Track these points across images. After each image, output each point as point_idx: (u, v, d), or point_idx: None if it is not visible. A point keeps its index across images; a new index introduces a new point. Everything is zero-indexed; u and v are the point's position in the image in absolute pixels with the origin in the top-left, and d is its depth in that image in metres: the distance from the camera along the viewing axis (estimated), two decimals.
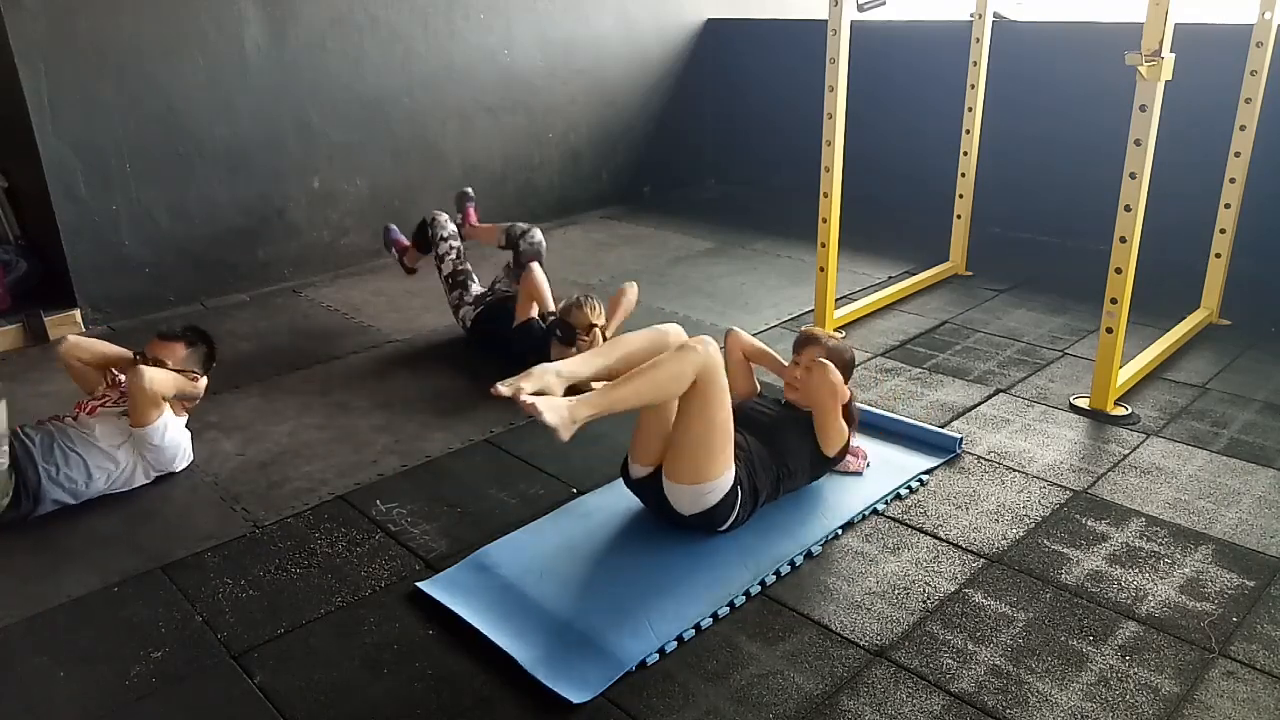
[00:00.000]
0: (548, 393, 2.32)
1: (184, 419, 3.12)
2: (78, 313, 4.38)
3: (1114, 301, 3.23)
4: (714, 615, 2.34)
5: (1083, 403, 3.41)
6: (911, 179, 5.92)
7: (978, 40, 4.49)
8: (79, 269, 4.37)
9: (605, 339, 3.57)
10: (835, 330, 4.13)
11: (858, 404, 3.00)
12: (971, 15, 4.50)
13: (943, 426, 3.27)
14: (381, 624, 2.36)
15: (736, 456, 2.60)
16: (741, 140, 7.03)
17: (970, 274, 4.92)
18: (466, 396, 3.64)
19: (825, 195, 3.93)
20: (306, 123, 4.95)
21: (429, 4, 5.28)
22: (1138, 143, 3.02)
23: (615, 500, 2.83)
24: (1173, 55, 2.94)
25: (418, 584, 2.47)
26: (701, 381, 2.39)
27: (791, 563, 2.53)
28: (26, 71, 4.04)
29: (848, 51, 3.71)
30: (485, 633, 2.27)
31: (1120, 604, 2.36)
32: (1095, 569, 2.50)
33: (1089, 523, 2.71)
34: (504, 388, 2.29)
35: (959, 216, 4.83)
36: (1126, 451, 3.10)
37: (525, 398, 2.22)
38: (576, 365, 2.47)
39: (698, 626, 2.30)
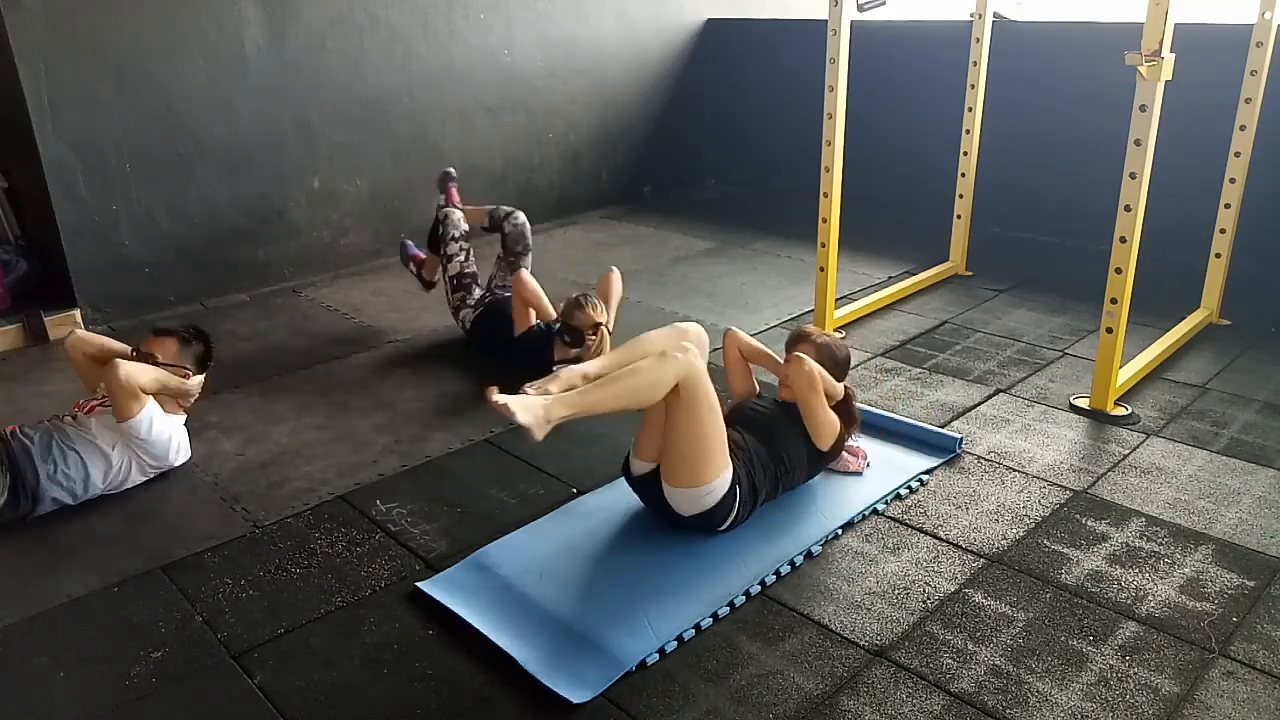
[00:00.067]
0: None
1: (181, 417, 3.12)
2: (78, 313, 4.38)
3: (1114, 301, 3.23)
4: (714, 615, 2.34)
5: (1083, 403, 3.41)
6: (911, 179, 5.92)
7: (978, 40, 4.49)
8: (79, 269, 4.37)
9: (610, 334, 3.59)
10: (835, 330, 4.13)
11: (858, 404, 3.01)
12: (971, 15, 4.51)
13: (943, 426, 3.27)
14: (381, 624, 2.36)
15: (736, 456, 2.60)
16: (741, 140, 7.03)
17: (970, 274, 4.92)
18: (466, 396, 3.64)
19: (825, 195, 3.93)
20: (306, 123, 4.95)
21: (429, 4, 5.28)
22: (1138, 143, 3.02)
23: (615, 500, 2.83)
24: (1173, 55, 2.94)
25: (418, 584, 2.47)
26: (684, 390, 2.39)
27: (791, 563, 2.53)
28: (26, 71, 4.04)
29: (848, 51, 3.71)
30: (485, 633, 2.27)
31: (1120, 604, 2.36)
32: (1095, 569, 2.50)
33: (1089, 523, 2.71)
34: (531, 389, 2.38)
35: (959, 216, 4.83)
36: (1126, 451, 3.10)
37: (497, 398, 2.23)
38: (602, 366, 2.52)
39: (698, 626, 2.30)
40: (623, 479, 2.87)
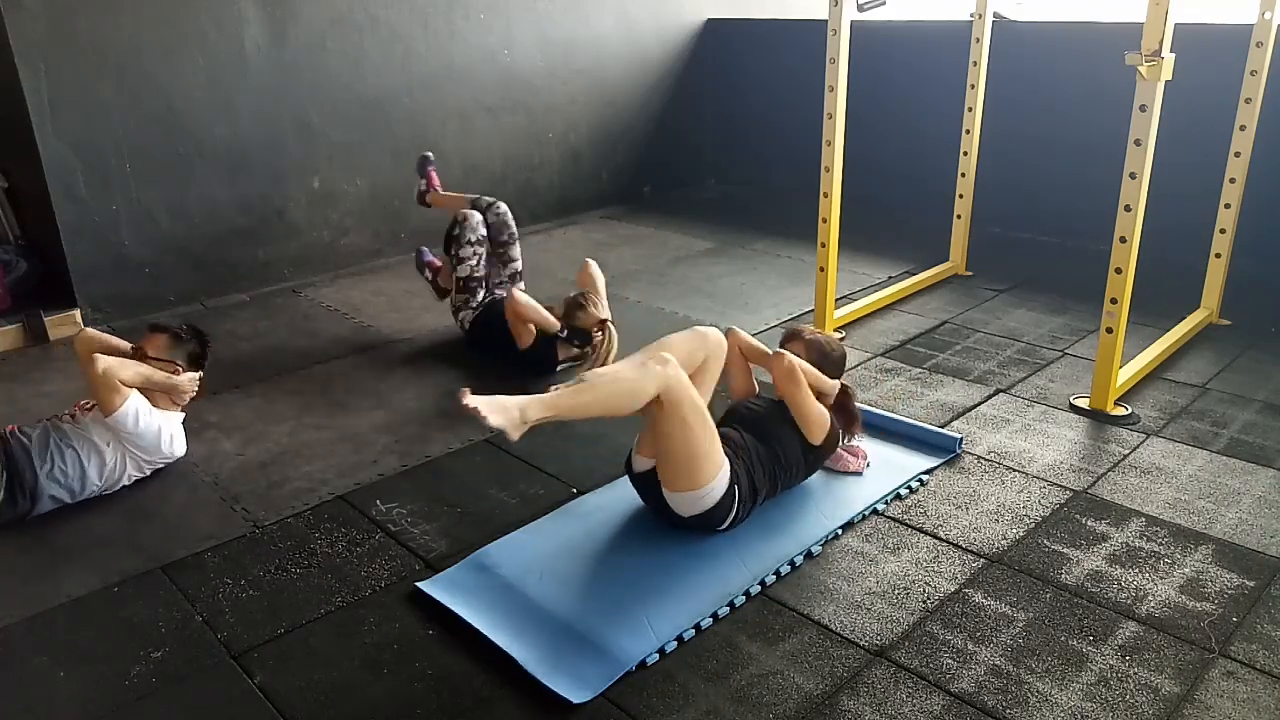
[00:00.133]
0: None
1: (177, 414, 3.13)
2: (78, 313, 4.38)
3: (1114, 301, 3.23)
4: (714, 615, 2.34)
5: (1083, 403, 3.41)
6: (911, 179, 5.92)
7: (978, 40, 4.49)
8: (79, 269, 4.37)
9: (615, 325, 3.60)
10: (835, 330, 4.13)
11: (857, 403, 3.01)
12: (971, 15, 4.51)
13: (943, 426, 3.27)
14: (381, 624, 2.36)
15: (736, 455, 2.61)
16: (741, 140, 7.03)
17: (970, 274, 4.92)
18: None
19: (825, 195, 3.93)
20: (306, 123, 4.95)
21: (429, 4, 5.28)
22: (1138, 143, 3.02)
23: (615, 500, 2.83)
24: (1173, 55, 2.94)
25: (418, 584, 2.47)
26: (667, 400, 2.40)
27: (791, 563, 2.53)
28: (26, 71, 4.04)
29: (848, 51, 3.71)
30: (485, 633, 2.27)
31: (1120, 604, 2.36)
32: (1095, 569, 2.50)
33: (1089, 523, 2.71)
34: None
35: (959, 216, 4.83)
36: (1126, 451, 3.10)
37: (468, 400, 2.22)
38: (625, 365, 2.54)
39: (698, 626, 2.30)
40: (622, 479, 2.87)
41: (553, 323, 3.72)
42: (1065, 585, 2.44)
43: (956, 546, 2.61)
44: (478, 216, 4.02)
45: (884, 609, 2.36)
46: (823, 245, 3.98)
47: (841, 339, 4.07)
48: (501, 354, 3.84)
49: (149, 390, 3.00)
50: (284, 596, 2.47)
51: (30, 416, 3.04)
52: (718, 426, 2.74)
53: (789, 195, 6.34)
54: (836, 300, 4.19)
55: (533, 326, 3.73)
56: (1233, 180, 3.96)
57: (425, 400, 3.62)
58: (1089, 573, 2.48)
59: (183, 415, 3.17)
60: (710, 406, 2.61)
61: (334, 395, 3.69)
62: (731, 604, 2.38)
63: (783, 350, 2.79)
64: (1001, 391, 3.56)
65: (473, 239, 3.98)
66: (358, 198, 5.24)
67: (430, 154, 4.46)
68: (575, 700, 2.06)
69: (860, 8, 3.85)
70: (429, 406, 3.56)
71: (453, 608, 2.37)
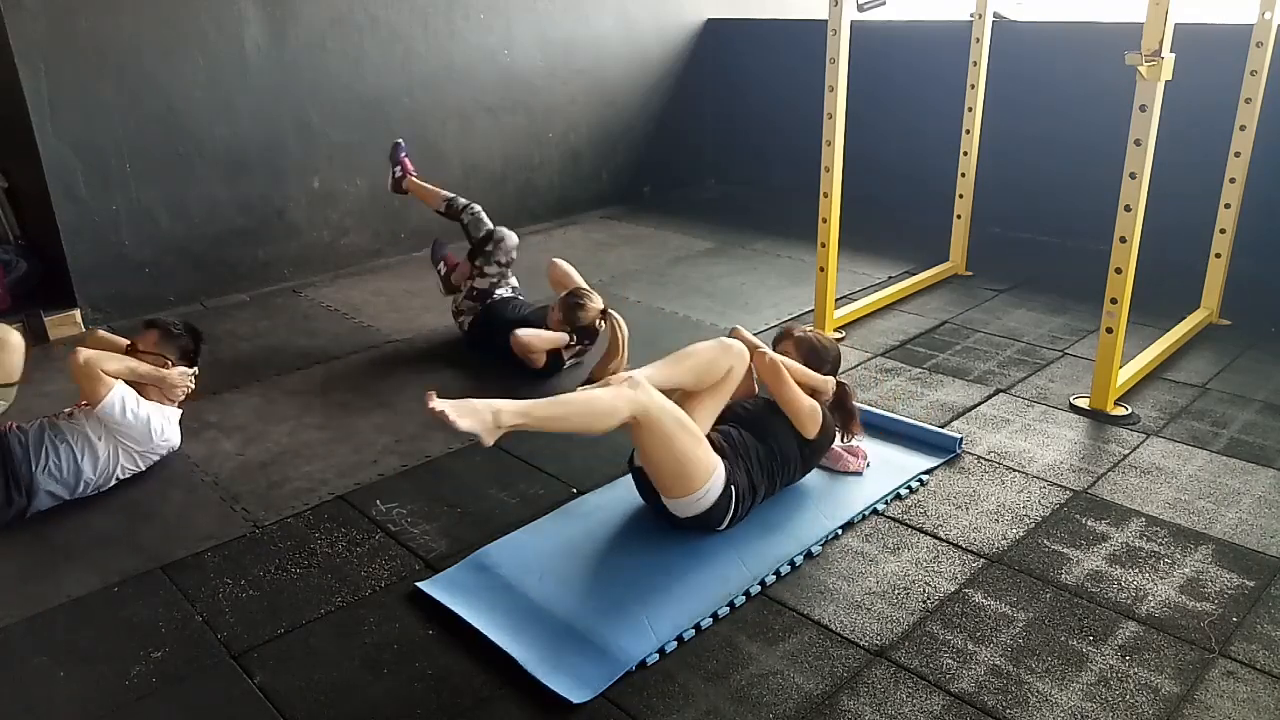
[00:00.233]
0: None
1: (173, 410, 3.14)
2: (78, 313, 4.38)
3: (1114, 301, 3.23)
4: (714, 615, 2.34)
5: (1083, 403, 3.41)
6: (911, 179, 5.92)
7: (978, 40, 4.49)
8: (79, 269, 4.37)
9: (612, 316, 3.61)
10: (835, 330, 4.13)
11: (856, 403, 3.01)
12: (971, 15, 4.51)
13: (943, 426, 3.27)
14: (381, 624, 2.36)
15: (735, 453, 2.62)
16: (741, 140, 7.03)
17: (970, 274, 4.92)
18: (466, 396, 3.63)
19: (825, 195, 3.93)
20: (306, 123, 4.95)
21: (429, 4, 5.28)
22: (1138, 143, 3.02)
23: (615, 500, 2.83)
24: (1173, 55, 2.94)
25: (418, 584, 2.47)
26: (644, 421, 2.40)
27: (791, 563, 2.53)
28: (26, 71, 4.04)
29: (848, 51, 3.71)
30: (485, 633, 2.27)
31: (1120, 604, 2.36)
32: (1095, 569, 2.50)
33: (1089, 523, 2.71)
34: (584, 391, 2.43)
35: (959, 216, 4.83)
36: (1126, 451, 3.10)
37: (434, 404, 2.18)
38: (651, 373, 2.58)
39: (698, 626, 2.30)
40: (622, 479, 2.88)
41: (562, 338, 3.72)
42: (1065, 585, 2.44)
43: (956, 546, 2.61)
44: (514, 240, 4.05)
45: (884, 609, 2.36)
46: (823, 245, 3.98)
47: (841, 339, 4.07)
48: (502, 355, 3.84)
49: (140, 383, 3.03)
50: (284, 596, 2.47)
51: (30, 416, 3.04)
52: (717, 425, 2.75)
53: (789, 195, 6.34)
54: (836, 300, 4.19)
55: (545, 351, 3.72)
56: (1233, 180, 3.96)
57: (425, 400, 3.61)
58: (1089, 573, 2.48)
59: (179, 411, 3.17)
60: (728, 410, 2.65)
61: (334, 395, 3.69)
62: (731, 604, 2.38)
63: (765, 349, 2.80)
64: (1001, 391, 3.56)
65: (502, 260, 4.04)
66: (358, 198, 5.24)
67: (401, 140, 4.45)
68: (575, 700, 2.06)
69: (860, 8, 3.85)
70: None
71: (453, 608, 2.37)
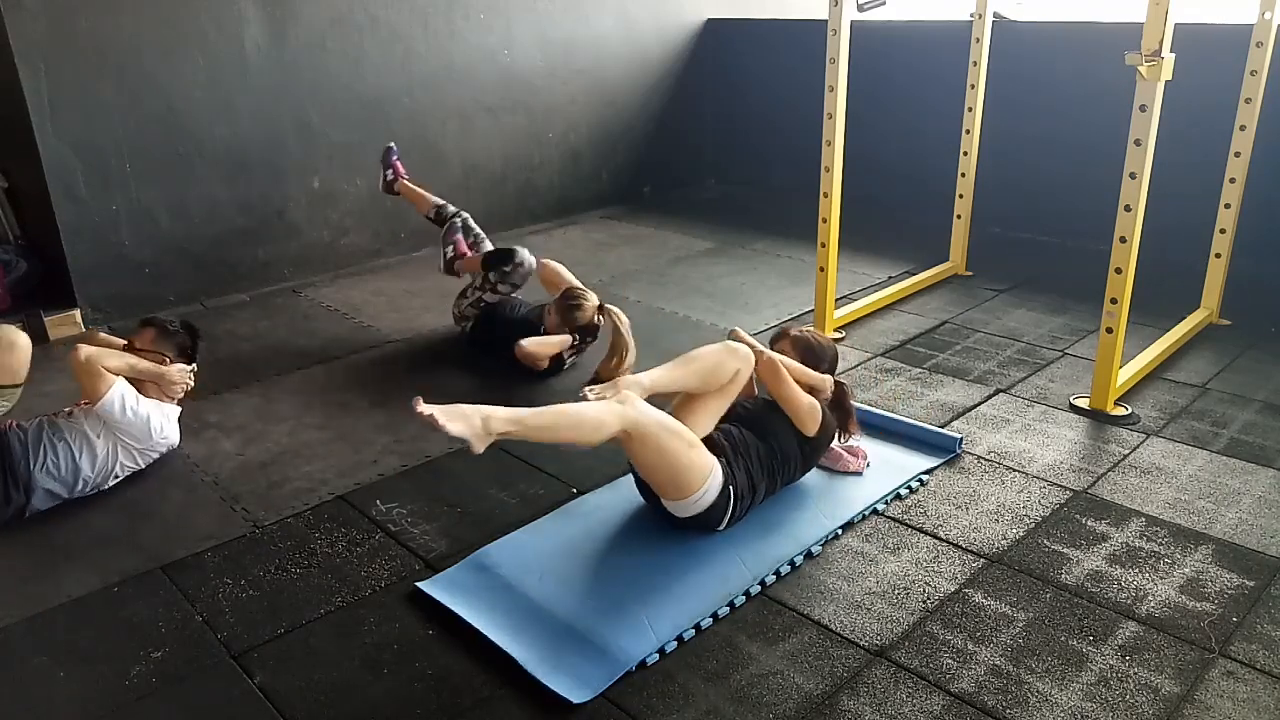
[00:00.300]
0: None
1: (172, 407, 3.15)
2: (78, 313, 4.38)
3: (1114, 301, 3.23)
4: (714, 615, 2.34)
5: (1083, 403, 3.41)
6: (911, 179, 5.92)
7: (978, 40, 4.49)
8: (79, 269, 4.37)
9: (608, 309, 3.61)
10: (835, 330, 4.13)
11: (855, 403, 3.01)
12: (971, 15, 4.51)
13: (943, 426, 3.27)
14: (381, 624, 2.36)
15: (735, 452, 2.62)
16: (741, 140, 7.03)
17: (970, 274, 4.92)
18: (467, 396, 3.61)
19: (825, 195, 3.93)
20: (306, 123, 4.95)
21: (429, 4, 5.28)
22: (1138, 143, 3.02)
23: (615, 500, 2.83)
24: (1173, 55, 2.94)
25: (418, 584, 2.47)
26: (635, 433, 2.40)
27: (791, 563, 2.53)
28: (26, 71, 4.04)
29: (848, 51, 3.71)
30: (485, 633, 2.27)
31: (1120, 604, 2.36)
32: (1095, 569, 2.50)
33: (1089, 523, 2.71)
34: (590, 393, 2.43)
35: (959, 216, 4.83)
36: (1126, 451, 3.10)
37: (422, 408, 2.17)
38: (657, 376, 2.60)
39: (698, 626, 2.30)
40: (622, 479, 2.88)
41: (564, 340, 3.73)
42: (1065, 585, 2.44)
43: (956, 546, 2.61)
44: (532, 265, 4.02)
45: (884, 609, 2.36)
46: (823, 245, 3.98)
47: (841, 339, 4.07)
48: (503, 354, 3.84)
49: (139, 380, 3.04)
50: (284, 596, 2.47)
51: (30, 415, 3.04)
52: (718, 424, 2.75)
53: (789, 195, 6.34)
54: (836, 300, 4.19)
55: (547, 360, 3.72)
56: (1233, 180, 3.96)
57: (425, 400, 3.61)
58: (1089, 573, 2.48)
59: (178, 409, 3.18)
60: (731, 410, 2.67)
61: (334, 395, 3.69)
62: (731, 604, 2.38)
63: (763, 349, 2.80)
64: (1001, 391, 3.56)
65: (517, 283, 4.04)
66: (358, 198, 5.24)
67: (394, 144, 4.47)
68: (575, 700, 2.06)
69: (860, 8, 3.85)
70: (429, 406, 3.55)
71: (453, 608, 2.37)
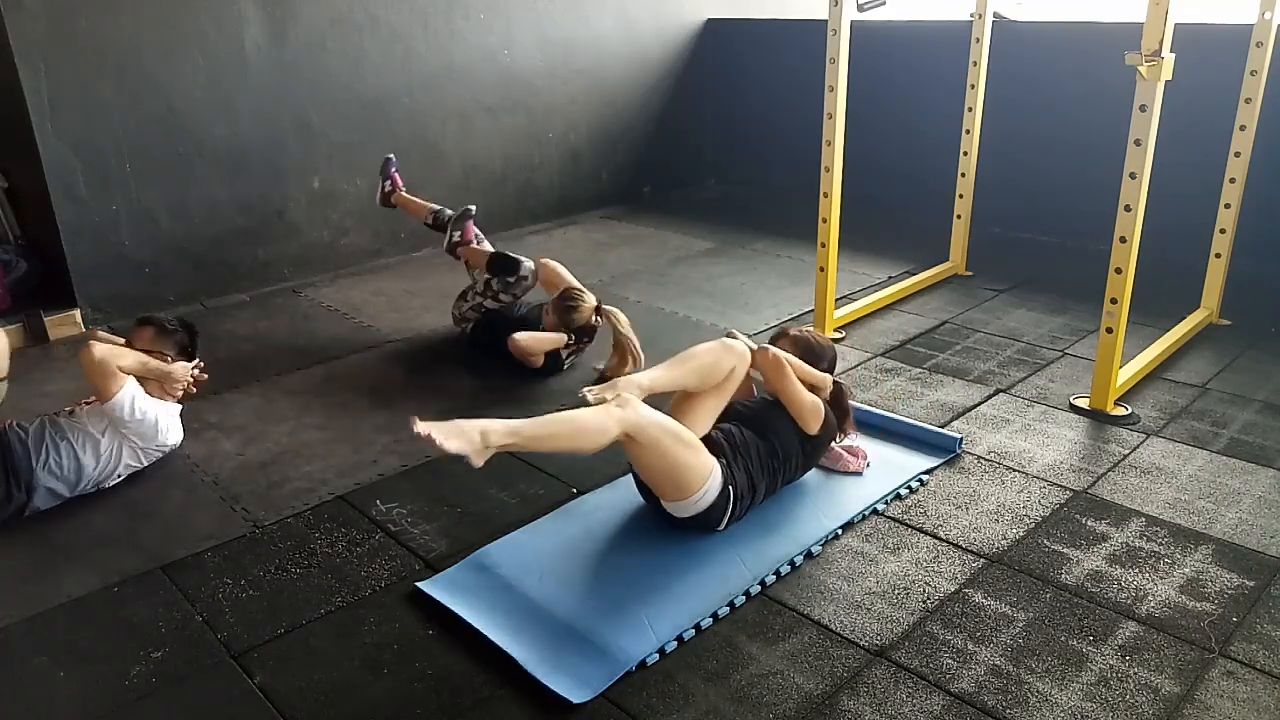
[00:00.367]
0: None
1: (173, 405, 3.15)
2: (78, 313, 4.38)
3: (1114, 301, 3.23)
4: (714, 615, 2.34)
5: (1083, 403, 3.41)
6: (911, 179, 5.92)
7: (978, 40, 4.49)
8: (79, 269, 4.37)
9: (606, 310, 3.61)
10: (835, 330, 4.13)
11: (854, 402, 3.01)
12: (971, 15, 4.51)
13: (943, 426, 3.27)
14: (381, 624, 2.36)
15: (735, 451, 2.63)
16: (741, 140, 7.03)
17: (970, 274, 4.92)
18: (466, 396, 3.64)
19: (825, 195, 3.93)
20: (306, 123, 4.95)
21: (429, 4, 5.28)
22: (1138, 143, 3.02)
23: (615, 500, 2.83)
24: (1173, 55, 2.94)
25: (418, 584, 2.47)
26: (634, 435, 2.40)
27: (791, 563, 2.53)
28: (26, 71, 4.04)
29: (848, 51, 3.71)
30: (485, 633, 2.27)
31: (1120, 604, 2.36)
32: (1095, 569, 2.50)
33: (1089, 523, 2.71)
34: (590, 394, 2.43)
35: (959, 216, 4.83)
36: (1126, 451, 3.10)
37: (419, 427, 2.14)
38: (656, 376, 2.60)
39: (698, 626, 2.30)
40: (622, 479, 2.88)
41: (560, 338, 3.73)
42: (1065, 585, 2.44)
43: (956, 546, 2.61)
44: (530, 267, 4.01)
45: (884, 609, 2.36)
46: (823, 245, 3.98)
47: (841, 339, 4.07)
48: (503, 355, 3.84)
49: (143, 378, 3.04)
50: (284, 596, 2.47)
51: (30, 416, 3.04)
52: (718, 423, 2.75)
53: (789, 195, 6.34)
54: (836, 300, 4.19)
55: (541, 356, 3.72)
56: (1233, 180, 3.96)
57: (425, 401, 3.62)
58: (1089, 573, 2.48)
59: (179, 406, 3.18)
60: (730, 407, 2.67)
61: (334, 395, 3.69)
62: (731, 604, 2.38)
63: (766, 345, 2.81)
64: (1001, 391, 3.56)
65: (519, 294, 4.04)
66: (358, 198, 5.24)
67: (393, 156, 4.48)
68: (575, 700, 2.06)
69: (860, 8, 3.85)
70: (429, 407, 3.56)
71: (453, 608, 2.37)
